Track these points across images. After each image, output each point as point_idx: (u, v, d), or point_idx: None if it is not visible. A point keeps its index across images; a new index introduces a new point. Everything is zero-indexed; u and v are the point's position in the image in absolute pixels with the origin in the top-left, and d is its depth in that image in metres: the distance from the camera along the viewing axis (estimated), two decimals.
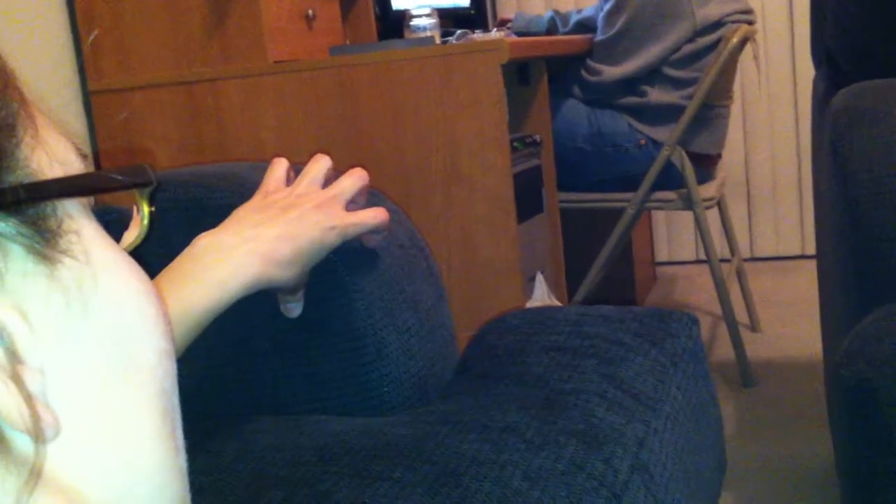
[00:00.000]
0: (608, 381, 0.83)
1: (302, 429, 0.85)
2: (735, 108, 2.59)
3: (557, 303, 1.90)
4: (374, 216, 0.85)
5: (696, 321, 0.97)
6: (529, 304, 1.61)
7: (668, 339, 0.91)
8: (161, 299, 0.41)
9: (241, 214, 0.82)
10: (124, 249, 0.41)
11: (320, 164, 0.88)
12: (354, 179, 0.86)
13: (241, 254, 0.77)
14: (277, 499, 0.72)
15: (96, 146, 1.96)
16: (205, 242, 0.78)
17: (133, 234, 0.46)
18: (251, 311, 0.93)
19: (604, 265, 2.46)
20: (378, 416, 0.88)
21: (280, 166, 0.88)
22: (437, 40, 1.99)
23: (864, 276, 1.07)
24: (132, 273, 0.40)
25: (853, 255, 1.07)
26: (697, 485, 0.87)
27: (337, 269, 0.91)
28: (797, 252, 3.54)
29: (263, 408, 0.91)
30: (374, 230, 0.86)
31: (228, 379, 0.92)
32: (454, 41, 2.14)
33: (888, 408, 0.83)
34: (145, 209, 0.46)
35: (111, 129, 1.95)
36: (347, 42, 2.36)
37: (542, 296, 1.84)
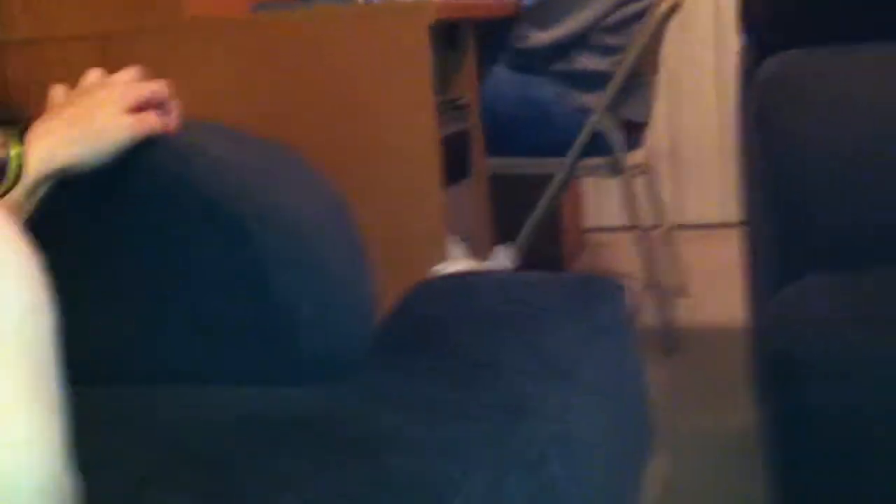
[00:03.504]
0: (530, 352, 0.81)
1: (211, 399, 0.82)
2: (661, 77, 2.59)
3: (476, 263, 1.87)
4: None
5: (621, 287, 0.95)
6: (441, 268, 1.57)
7: (592, 306, 0.89)
8: (29, 249, 0.37)
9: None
10: None
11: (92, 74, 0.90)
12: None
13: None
14: (182, 474, 0.69)
15: (7, 98, 1.88)
16: None
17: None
18: (160, 274, 0.89)
19: (532, 232, 2.44)
20: (292, 387, 0.85)
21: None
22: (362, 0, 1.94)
23: (787, 245, 1.06)
24: None
25: (777, 224, 1.07)
26: (620, 456, 0.85)
27: (250, 233, 0.87)
28: (722, 219, 3.57)
29: (172, 376, 0.87)
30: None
31: (135, 344, 0.88)
32: (379, 1, 2.09)
33: (807, 377, 0.83)
34: (13, 150, 0.42)
35: (22, 83, 1.87)
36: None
37: (459, 257, 1.81)
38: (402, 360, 0.85)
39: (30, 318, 0.37)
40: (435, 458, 0.66)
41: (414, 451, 0.67)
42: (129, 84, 0.88)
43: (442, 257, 1.78)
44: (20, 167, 0.50)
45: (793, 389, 0.85)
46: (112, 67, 0.92)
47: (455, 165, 1.97)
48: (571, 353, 0.83)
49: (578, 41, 2.34)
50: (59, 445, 0.38)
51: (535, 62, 2.36)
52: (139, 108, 0.87)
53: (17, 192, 0.74)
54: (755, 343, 1.30)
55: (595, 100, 2.33)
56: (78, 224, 0.91)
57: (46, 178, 0.79)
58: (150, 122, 0.87)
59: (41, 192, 0.80)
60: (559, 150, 2.37)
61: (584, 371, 0.82)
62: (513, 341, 0.83)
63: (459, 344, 0.84)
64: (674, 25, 2.52)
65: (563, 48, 2.35)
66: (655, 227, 2.75)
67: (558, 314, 0.87)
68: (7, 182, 0.41)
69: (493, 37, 2.38)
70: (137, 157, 0.92)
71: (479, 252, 2.07)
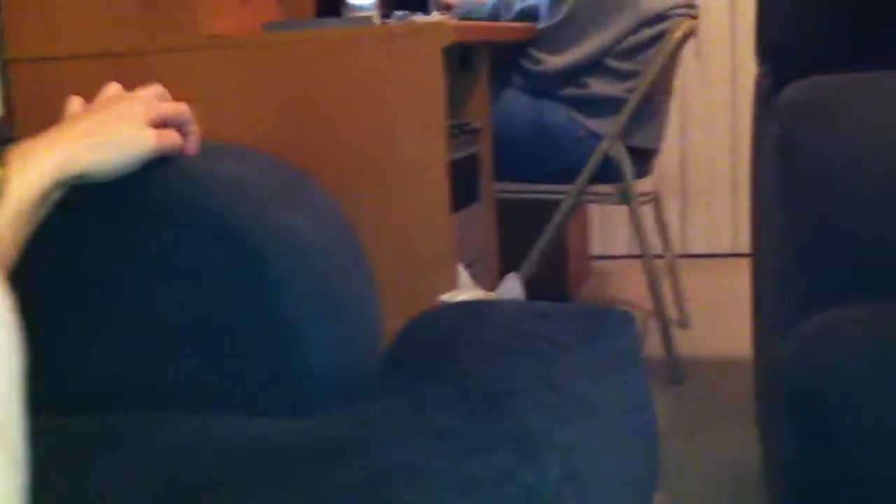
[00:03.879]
0: (542, 383, 0.79)
1: (213, 428, 0.80)
2: (672, 104, 2.58)
3: (485, 293, 1.86)
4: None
5: (632, 320, 0.93)
6: (448, 297, 1.56)
7: (604, 338, 0.88)
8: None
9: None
10: None
11: (112, 88, 0.90)
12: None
13: (41, 147, 0.77)
14: None
15: (12, 118, 1.87)
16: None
17: None
18: (168, 297, 0.87)
19: (539, 258, 2.43)
20: (297, 416, 0.83)
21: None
22: (377, 20, 1.93)
23: (806, 277, 1.04)
24: None
25: (797, 254, 1.05)
26: (630, 490, 0.83)
27: (259, 254, 0.86)
28: (729, 250, 3.56)
29: (172, 404, 0.85)
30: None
31: (135, 371, 0.86)
32: (394, 22, 2.08)
33: (831, 415, 0.81)
34: None
35: (29, 101, 1.86)
36: (284, 19, 2.29)
37: (467, 286, 1.79)
38: (411, 388, 0.83)
39: None
40: (447, 494, 0.65)
41: (424, 486, 0.65)
42: (152, 99, 0.88)
43: (451, 281, 1.76)
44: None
45: (814, 429, 0.83)
46: (126, 86, 0.91)
47: (464, 189, 1.96)
48: (584, 384, 0.81)
49: (591, 66, 2.33)
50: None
51: (548, 86, 2.35)
52: (160, 124, 0.87)
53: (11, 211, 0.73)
54: (766, 378, 1.28)
55: (606, 125, 2.32)
56: (85, 245, 0.90)
57: (62, 183, 0.78)
58: (173, 138, 0.87)
59: (56, 196, 0.79)
60: (568, 175, 2.36)
61: (597, 403, 0.80)
62: (524, 372, 0.81)
63: (469, 373, 0.83)
64: (688, 52, 2.52)
65: (576, 73, 2.34)
66: (661, 256, 2.74)
67: (570, 345, 0.86)
68: None
69: (507, 59, 2.38)
70: (147, 177, 0.91)
71: (487, 278, 2.06)
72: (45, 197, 0.76)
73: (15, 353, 0.37)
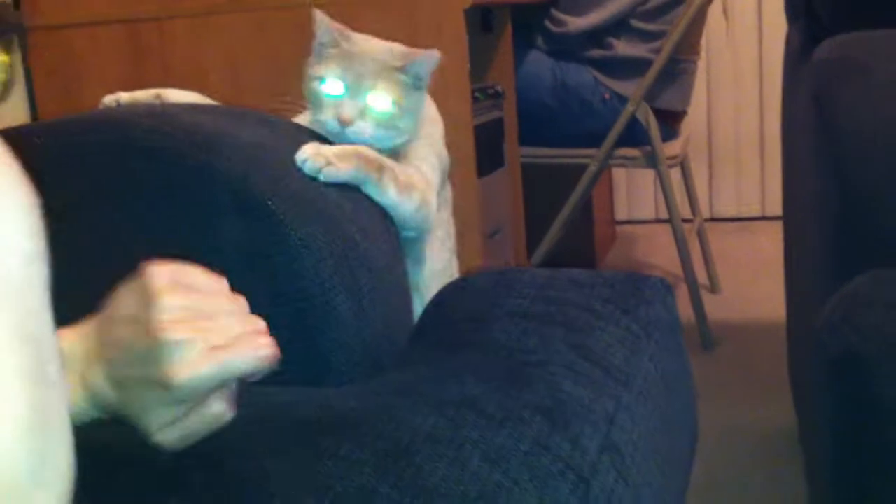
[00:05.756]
0: (576, 352, 0.76)
1: (241, 398, 0.78)
2: (699, 64, 2.53)
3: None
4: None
5: (669, 288, 0.90)
6: None
7: (640, 307, 0.85)
8: (29, 195, 0.32)
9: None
10: None
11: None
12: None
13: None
14: (210, 476, 0.65)
15: (31, 85, 1.85)
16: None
17: None
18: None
19: (565, 223, 2.39)
20: (325, 386, 0.81)
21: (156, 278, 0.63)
22: None
23: (846, 238, 1.01)
24: None
25: (835, 215, 1.02)
26: (670, 462, 0.81)
27: (281, 221, 0.83)
28: (758, 213, 3.51)
29: None
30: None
31: None
32: None
33: (877, 377, 0.78)
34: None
35: (47, 68, 1.84)
36: None
37: None
38: (441, 358, 0.81)
39: (26, 271, 0.32)
40: (479, 465, 0.62)
41: (454, 456, 0.63)
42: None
43: (477, 249, 1.73)
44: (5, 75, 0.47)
45: (858, 391, 0.80)
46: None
47: (489, 155, 1.92)
48: (620, 354, 0.78)
49: (616, 27, 2.28)
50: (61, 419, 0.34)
51: (571, 48, 2.31)
52: None
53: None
54: (804, 341, 1.25)
55: (631, 87, 2.27)
56: (100, 212, 0.88)
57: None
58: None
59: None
60: (592, 138, 2.32)
61: (634, 374, 0.77)
62: (558, 340, 0.78)
63: (501, 342, 0.80)
64: (715, 10, 2.46)
65: (600, 34, 2.30)
66: (688, 220, 2.70)
67: (605, 314, 0.83)
68: None
69: (529, 21, 2.33)
70: (160, 145, 0.88)
71: (513, 245, 2.03)
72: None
73: (44, 263, 0.34)
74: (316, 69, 1.00)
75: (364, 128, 0.98)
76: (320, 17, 1.02)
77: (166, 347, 0.59)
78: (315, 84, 1.00)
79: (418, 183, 0.97)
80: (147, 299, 0.61)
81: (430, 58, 1.00)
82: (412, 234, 1.00)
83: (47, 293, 0.34)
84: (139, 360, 0.60)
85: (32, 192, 0.33)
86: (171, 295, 0.61)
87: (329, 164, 0.89)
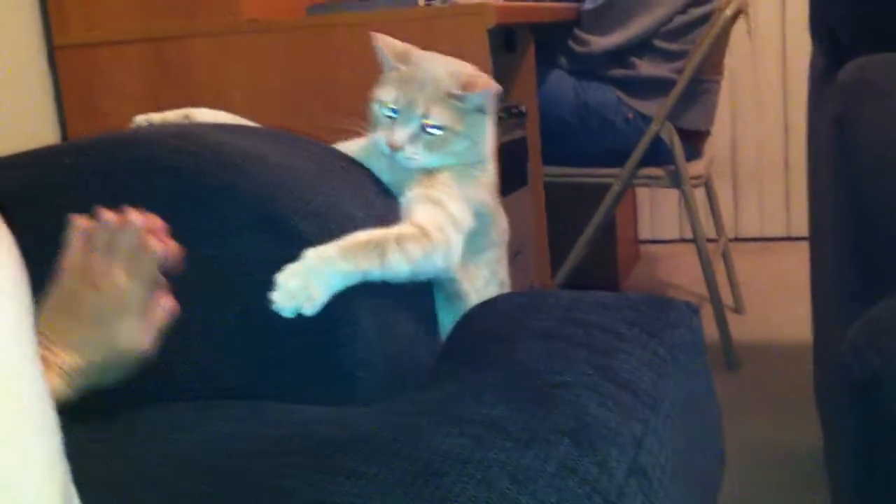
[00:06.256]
0: (602, 374, 0.76)
1: (264, 416, 0.78)
2: (723, 84, 2.52)
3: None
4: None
5: (696, 311, 0.89)
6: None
7: (666, 331, 0.84)
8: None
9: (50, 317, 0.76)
10: None
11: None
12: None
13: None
14: (232, 495, 0.65)
15: (60, 102, 1.86)
16: None
17: None
18: (209, 282, 0.85)
19: (588, 242, 2.38)
20: (349, 404, 0.80)
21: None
22: (421, 2, 1.90)
23: (866, 260, 1.00)
24: None
25: (855, 237, 1.01)
26: (696, 485, 0.80)
27: (304, 237, 0.83)
28: (782, 233, 3.48)
29: (222, 393, 0.83)
30: None
31: (183, 359, 0.84)
32: (438, 3, 2.05)
33: None
34: None
35: (76, 86, 1.85)
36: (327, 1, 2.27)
37: None
38: (467, 378, 0.80)
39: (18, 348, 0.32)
40: (505, 487, 0.62)
41: (481, 478, 0.62)
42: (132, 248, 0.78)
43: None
44: None
45: (883, 415, 0.79)
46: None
47: (512, 174, 1.92)
48: (647, 377, 0.77)
49: (639, 46, 2.28)
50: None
51: (594, 68, 2.30)
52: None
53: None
54: (829, 364, 1.23)
55: (655, 107, 2.27)
56: None
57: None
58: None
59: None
60: (614, 158, 2.31)
61: (661, 398, 0.76)
62: (584, 362, 0.78)
63: (527, 363, 0.79)
64: (737, 31, 2.45)
65: (623, 54, 2.29)
66: (713, 240, 2.68)
67: (631, 337, 0.82)
68: None
69: (552, 40, 2.33)
70: (185, 164, 0.89)
71: (536, 265, 2.02)
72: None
73: (24, 290, 0.34)
74: (375, 91, 1.00)
75: (413, 153, 0.97)
76: (379, 39, 1.02)
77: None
78: (374, 106, 1.00)
79: (428, 225, 0.92)
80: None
81: (487, 93, 1.00)
82: (441, 275, 0.95)
83: (29, 320, 0.34)
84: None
85: (21, 265, 0.34)
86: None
87: (307, 300, 0.82)
